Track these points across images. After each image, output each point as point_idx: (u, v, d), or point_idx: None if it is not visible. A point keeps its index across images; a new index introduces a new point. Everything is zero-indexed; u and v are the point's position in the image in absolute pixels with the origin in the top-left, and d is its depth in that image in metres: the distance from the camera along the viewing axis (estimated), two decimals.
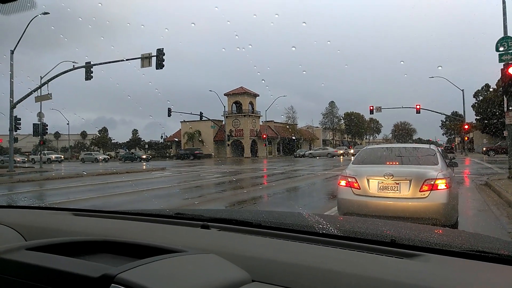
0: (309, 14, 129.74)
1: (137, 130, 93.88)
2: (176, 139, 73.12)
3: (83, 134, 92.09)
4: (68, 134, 70.58)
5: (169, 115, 46.20)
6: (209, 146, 66.40)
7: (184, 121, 69.27)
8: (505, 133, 20.68)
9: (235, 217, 1.68)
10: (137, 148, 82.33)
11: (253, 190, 15.06)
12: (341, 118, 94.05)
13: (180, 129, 73.37)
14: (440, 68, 55.51)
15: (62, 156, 58.60)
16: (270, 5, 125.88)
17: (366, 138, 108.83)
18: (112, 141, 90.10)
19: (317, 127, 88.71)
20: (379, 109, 47.69)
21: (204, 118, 56.41)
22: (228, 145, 62.78)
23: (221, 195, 13.91)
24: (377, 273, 1.00)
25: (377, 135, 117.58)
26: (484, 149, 44.62)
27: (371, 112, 47.90)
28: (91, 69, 24.46)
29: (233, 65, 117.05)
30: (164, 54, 23.37)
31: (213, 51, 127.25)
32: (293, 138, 70.90)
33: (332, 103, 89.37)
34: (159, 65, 23.37)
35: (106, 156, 59.18)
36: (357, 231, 1.45)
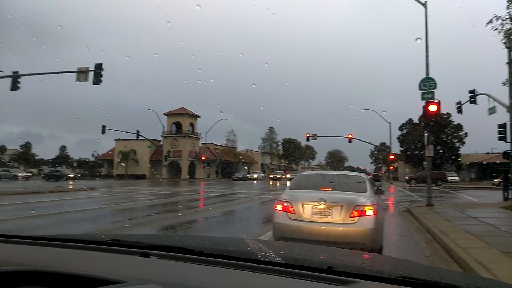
0: (271, 56, 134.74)
1: (65, 147, 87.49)
2: (111, 159, 69.62)
3: (2, 149, 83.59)
4: None
5: (103, 132, 43.82)
6: (144, 166, 63.95)
7: (119, 139, 66.21)
8: (425, 164, 22.74)
9: (176, 244, 1.63)
10: (64, 166, 76.66)
11: (188, 213, 14.69)
12: (280, 143, 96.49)
13: (114, 147, 69.96)
14: (371, 110, 60.33)
15: None
16: (235, 45, 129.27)
17: (302, 164, 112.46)
18: (36, 157, 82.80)
19: (256, 151, 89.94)
20: (315, 136, 50.09)
21: (141, 137, 54.43)
22: (165, 166, 60.87)
23: (154, 218, 13.39)
24: None
25: (312, 161, 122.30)
26: (406, 178, 48.50)
27: (308, 139, 50.06)
28: (18, 79, 22.55)
29: (194, 96, 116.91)
30: (102, 70, 22.31)
31: (175, 80, 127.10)
32: (233, 161, 70.94)
33: (271, 129, 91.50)
34: (97, 81, 22.22)
35: (27, 174, 54.02)
36: (298, 258, 1.49)
